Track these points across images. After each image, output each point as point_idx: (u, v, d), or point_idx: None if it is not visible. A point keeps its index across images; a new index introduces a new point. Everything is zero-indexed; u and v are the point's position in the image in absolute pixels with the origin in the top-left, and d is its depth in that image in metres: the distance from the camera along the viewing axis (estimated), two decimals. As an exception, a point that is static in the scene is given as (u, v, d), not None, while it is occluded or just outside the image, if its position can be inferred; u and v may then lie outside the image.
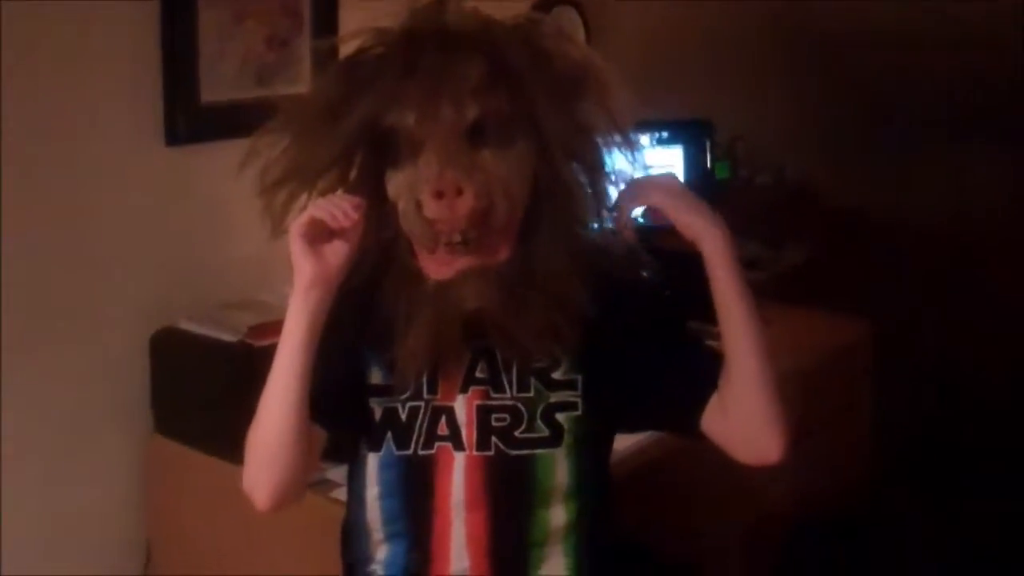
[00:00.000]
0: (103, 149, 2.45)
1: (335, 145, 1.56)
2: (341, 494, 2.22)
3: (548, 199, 1.57)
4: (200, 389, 2.45)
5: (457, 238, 1.52)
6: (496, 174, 1.52)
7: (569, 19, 3.41)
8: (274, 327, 2.39)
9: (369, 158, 1.61)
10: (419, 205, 1.52)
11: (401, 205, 1.56)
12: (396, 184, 1.57)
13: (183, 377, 2.49)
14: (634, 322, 1.64)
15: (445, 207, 1.49)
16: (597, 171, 1.59)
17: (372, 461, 1.66)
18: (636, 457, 2.33)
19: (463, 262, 1.55)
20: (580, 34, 3.48)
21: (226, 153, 2.60)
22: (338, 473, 2.33)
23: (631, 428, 1.77)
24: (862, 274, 4.05)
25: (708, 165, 3.39)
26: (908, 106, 4.18)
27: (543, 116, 1.53)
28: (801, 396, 3.17)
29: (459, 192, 1.48)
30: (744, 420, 1.58)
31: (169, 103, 2.54)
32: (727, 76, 4.14)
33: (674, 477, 2.50)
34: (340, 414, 1.64)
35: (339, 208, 1.52)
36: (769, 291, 3.59)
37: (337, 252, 1.52)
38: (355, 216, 1.52)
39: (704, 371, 1.62)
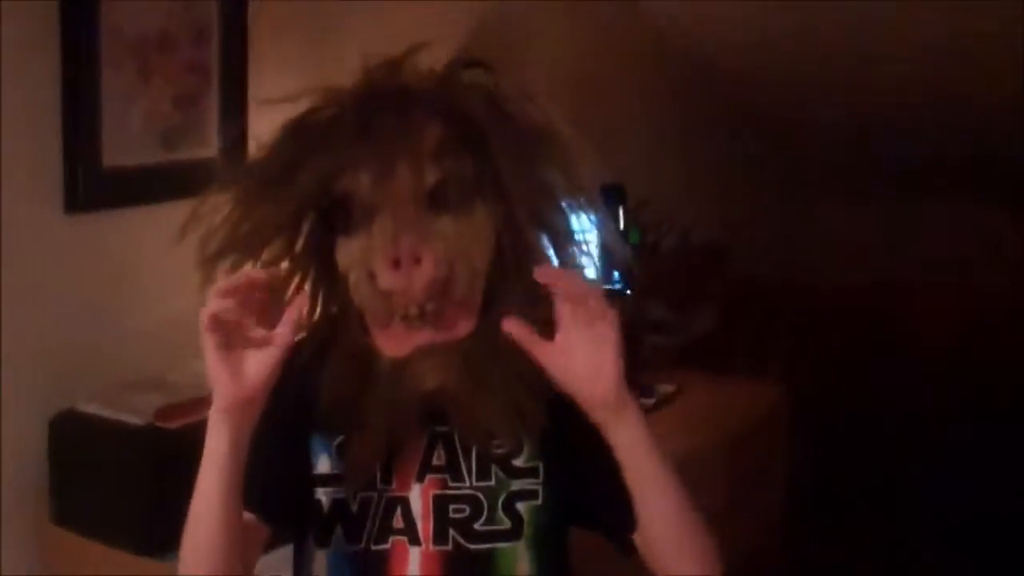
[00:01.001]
0: (-3, 216, 2.27)
1: (282, 211, 1.44)
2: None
3: (511, 267, 1.47)
4: (104, 476, 2.29)
5: (414, 311, 1.42)
6: (457, 241, 1.43)
7: (476, 76, 3.33)
8: (184, 408, 2.30)
9: (318, 226, 1.50)
10: (372, 276, 1.42)
11: (353, 276, 1.45)
12: (348, 253, 1.45)
13: (85, 463, 2.32)
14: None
15: (402, 277, 1.39)
16: (563, 236, 1.49)
17: (320, 558, 1.53)
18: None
19: (420, 337, 1.44)
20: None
21: (130, 220, 2.51)
22: (261, 563, 2.21)
23: (577, 522, 1.61)
24: (771, 337, 4.04)
25: (622, 231, 3.33)
26: (806, 167, 4.22)
27: (507, 178, 1.44)
28: (719, 465, 3.15)
29: (417, 261, 1.39)
30: (662, 566, 1.49)
31: (69, 166, 2.38)
32: (629, 139, 4.11)
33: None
34: (284, 508, 1.52)
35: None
36: (681, 357, 3.58)
37: (261, 365, 1.37)
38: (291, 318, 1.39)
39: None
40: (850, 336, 4.20)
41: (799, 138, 4.25)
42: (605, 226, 1.53)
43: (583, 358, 1.37)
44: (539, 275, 1.37)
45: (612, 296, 1.57)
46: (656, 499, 1.44)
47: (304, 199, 1.45)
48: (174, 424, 2.26)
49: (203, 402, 2.28)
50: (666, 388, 3.31)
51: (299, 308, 1.41)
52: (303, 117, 1.48)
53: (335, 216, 1.46)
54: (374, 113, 1.42)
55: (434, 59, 1.51)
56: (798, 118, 4.14)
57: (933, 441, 3.97)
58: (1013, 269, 4.14)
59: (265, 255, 1.45)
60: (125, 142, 2.45)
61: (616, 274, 3.10)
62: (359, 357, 1.47)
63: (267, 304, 1.40)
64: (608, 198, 3.37)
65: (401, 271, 1.38)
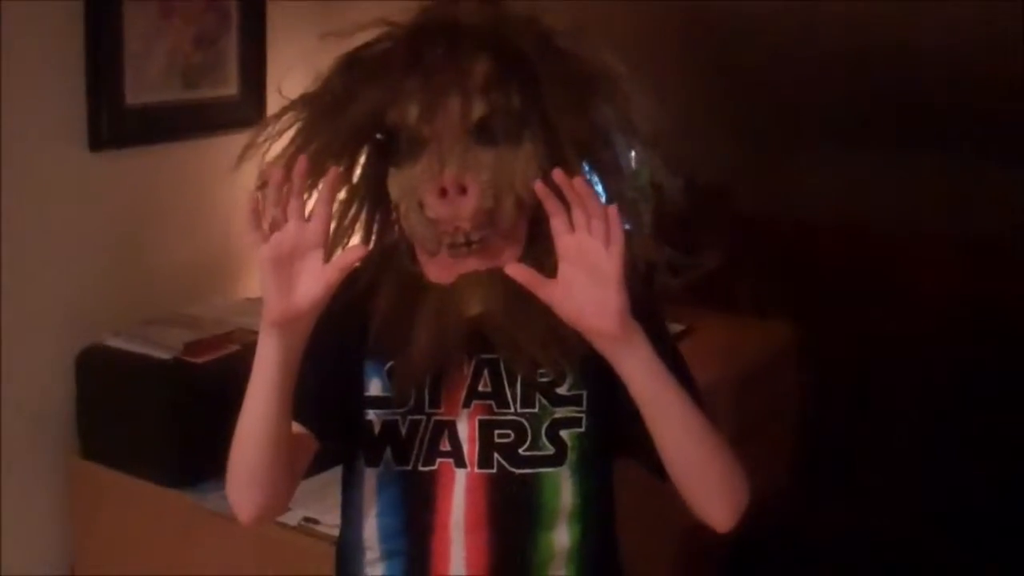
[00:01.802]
0: (22, 154, 2.29)
1: (337, 141, 1.48)
2: (288, 517, 2.14)
3: None
4: (130, 410, 2.33)
5: (460, 239, 1.45)
6: (503, 173, 1.45)
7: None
8: (211, 343, 2.35)
9: (373, 157, 1.53)
10: (421, 205, 1.45)
11: (403, 206, 1.48)
12: (398, 183, 1.48)
13: (111, 398, 2.36)
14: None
15: (448, 206, 1.42)
16: (611, 174, 1.51)
17: (370, 477, 1.56)
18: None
19: (466, 266, 1.47)
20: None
21: (152, 158, 2.53)
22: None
23: (619, 450, 1.63)
24: (778, 277, 4.07)
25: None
26: (815, 109, 4.22)
27: (554, 114, 1.46)
28: (730, 404, 3.18)
29: (463, 191, 1.42)
30: (686, 493, 1.50)
31: (93, 105, 2.39)
32: (633, 83, 4.11)
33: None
34: (336, 426, 1.54)
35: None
36: (686, 297, 3.60)
37: (311, 286, 1.37)
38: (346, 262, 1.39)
39: None
40: (851, 277, 4.22)
41: (799, 81, 4.26)
42: (650, 162, 1.54)
43: (586, 292, 1.37)
44: (540, 188, 1.37)
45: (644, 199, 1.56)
46: (671, 428, 1.44)
47: (357, 130, 1.48)
48: (201, 359, 2.30)
49: (228, 337, 2.35)
50: (675, 327, 3.34)
51: (355, 251, 1.41)
52: (357, 50, 1.51)
53: (388, 148, 1.49)
54: (424, 47, 1.44)
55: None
56: (799, 61, 4.14)
57: (933, 380, 4.01)
58: (1009, 218, 4.16)
59: (322, 184, 1.45)
60: (147, 81, 2.47)
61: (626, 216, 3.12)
62: (408, 284, 1.50)
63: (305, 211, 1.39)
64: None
65: (447, 200, 1.41)
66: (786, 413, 3.50)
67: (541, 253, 1.47)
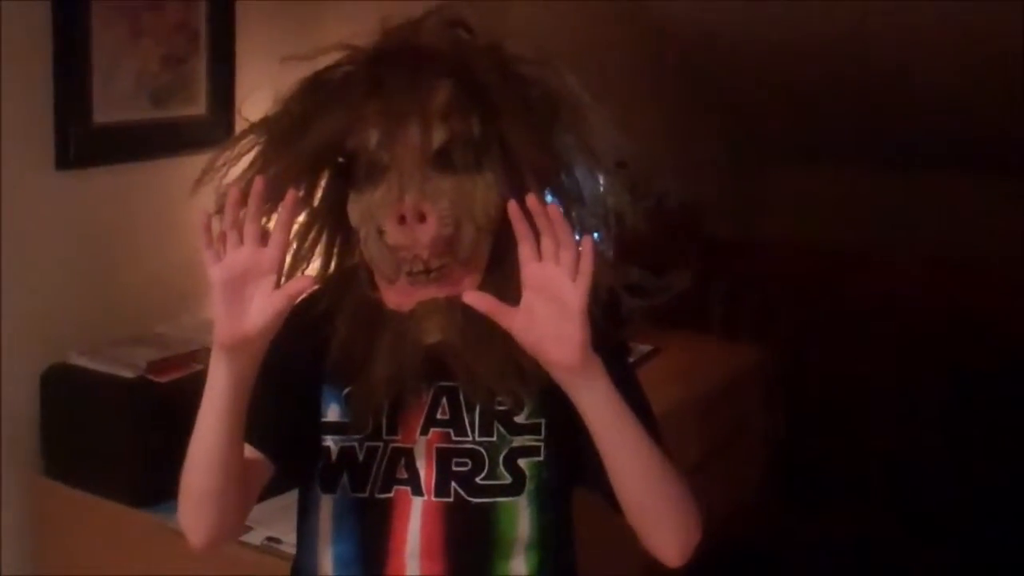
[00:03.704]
0: (-11, 172, 2.28)
1: (297, 165, 1.47)
2: (251, 537, 2.14)
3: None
4: (95, 429, 2.32)
5: (419, 267, 1.45)
6: (462, 201, 1.45)
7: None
8: (176, 362, 2.34)
9: (333, 182, 1.53)
10: (380, 232, 1.45)
11: (363, 232, 1.48)
12: (358, 209, 1.49)
13: (76, 416, 2.35)
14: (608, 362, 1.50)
15: (407, 233, 1.42)
16: (572, 202, 1.51)
17: (326, 503, 1.56)
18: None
19: (425, 293, 1.47)
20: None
21: (120, 176, 2.52)
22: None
23: (578, 480, 1.61)
24: (748, 298, 4.09)
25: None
26: (786, 130, 4.25)
27: (514, 141, 1.46)
28: (695, 424, 3.20)
29: (422, 219, 1.42)
30: (638, 526, 1.50)
31: (60, 123, 2.39)
32: (606, 99, 4.13)
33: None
34: (291, 451, 1.55)
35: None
36: (655, 318, 3.62)
37: (264, 309, 1.36)
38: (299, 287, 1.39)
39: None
40: (819, 299, 4.24)
41: (771, 104, 4.29)
42: (612, 190, 1.54)
43: (547, 323, 1.36)
44: (513, 209, 1.37)
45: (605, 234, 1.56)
46: (625, 461, 1.44)
47: (317, 154, 1.48)
48: (165, 378, 2.29)
49: (194, 356, 2.35)
50: (643, 347, 3.36)
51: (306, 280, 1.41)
52: (319, 74, 1.51)
53: (349, 172, 1.50)
54: (385, 72, 1.44)
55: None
56: (773, 84, 4.17)
57: (902, 402, 4.03)
58: (986, 239, 4.19)
59: (280, 208, 1.44)
60: (115, 100, 2.46)
61: (596, 235, 3.13)
62: (367, 310, 1.51)
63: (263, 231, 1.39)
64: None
65: (406, 228, 1.41)
66: (752, 432, 3.52)
67: (501, 281, 1.47)
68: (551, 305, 1.36)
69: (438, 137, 1.44)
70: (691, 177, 4.27)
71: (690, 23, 4.05)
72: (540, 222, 1.36)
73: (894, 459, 3.92)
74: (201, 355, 2.34)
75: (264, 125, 1.51)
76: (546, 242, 1.36)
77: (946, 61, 3.69)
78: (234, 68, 2.69)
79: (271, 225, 1.40)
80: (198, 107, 2.63)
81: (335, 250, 1.58)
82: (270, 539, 2.13)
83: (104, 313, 2.49)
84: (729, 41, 4.05)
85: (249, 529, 2.12)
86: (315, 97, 1.48)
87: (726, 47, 4.08)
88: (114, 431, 2.29)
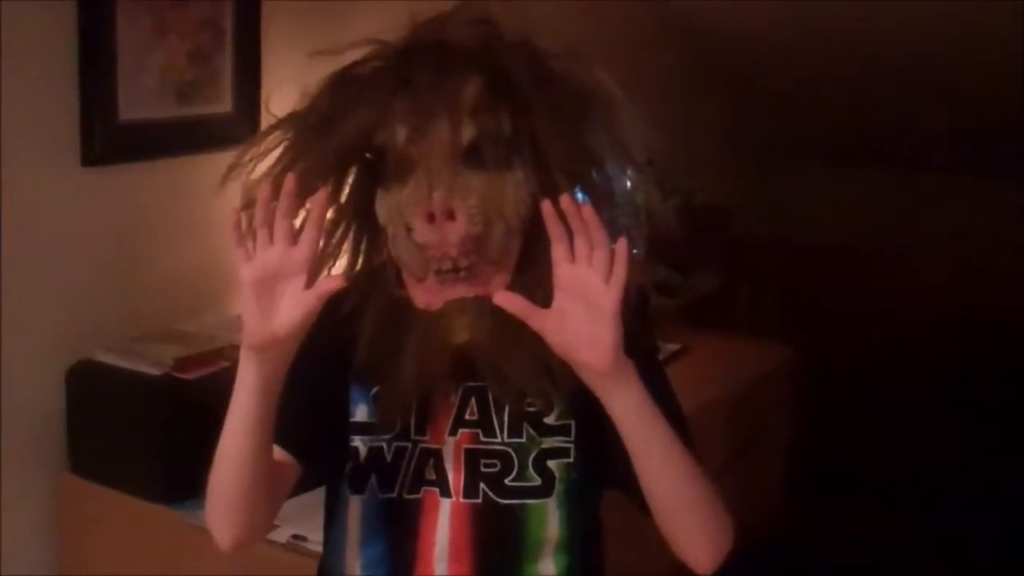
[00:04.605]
0: (15, 169, 2.28)
1: (324, 161, 1.45)
2: (277, 535, 2.13)
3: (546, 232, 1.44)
4: (120, 425, 2.32)
5: (448, 266, 1.42)
6: (492, 199, 1.42)
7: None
8: (202, 359, 2.34)
9: (361, 178, 1.51)
10: (409, 229, 1.42)
11: (391, 230, 1.46)
12: (386, 207, 1.46)
13: (102, 413, 2.35)
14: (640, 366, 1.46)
15: (436, 232, 1.39)
16: (603, 200, 1.47)
17: (354, 504, 1.55)
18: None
19: (454, 292, 1.44)
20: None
21: (145, 174, 2.52)
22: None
23: (607, 482, 1.59)
24: (775, 298, 4.07)
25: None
26: (813, 131, 4.22)
27: (544, 139, 1.43)
28: (725, 423, 3.18)
29: (451, 216, 1.39)
30: (668, 532, 1.48)
31: (86, 120, 2.38)
32: (634, 97, 4.12)
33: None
34: (319, 451, 1.53)
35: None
36: (682, 317, 3.61)
37: (294, 310, 1.34)
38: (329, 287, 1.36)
39: None
40: (846, 299, 4.22)
41: (797, 106, 4.27)
42: (643, 187, 1.52)
43: (579, 325, 1.34)
44: (547, 209, 1.34)
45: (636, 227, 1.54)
46: (656, 467, 1.42)
47: (345, 151, 1.46)
48: (191, 375, 2.29)
49: (219, 353, 2.34)
50: (671, 346, 3.34)
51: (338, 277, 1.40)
52: (347, 69, 1.48)
53: (376, 170, 1.47)
54: (414, 68, 1.42)
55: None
56: (798, 85, 4.15)
57: (926, 404, 4.00)
58: (1003, 240, 4.16)
59: (308, 204, 1.42)
60: (141, 97, 2.46)
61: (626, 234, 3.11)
62: (395, 309, 1.48)
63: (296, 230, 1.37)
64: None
65: (435, 225, 1.38)
66: (780, 432, 3.50)
67: (531, 281, 1.44)
68: (583, 307, 1.34)
69: (467, 134, 1.42)
70: (718, 176, 4.24)
71: (719, 20, 4.03)
72: (574, 223, 1.33)
73: (920, 463, 3.89)
74: (227, 352, 2.33)
75: (291, 121, 1.48)
76: (579, 243, 1.33)
77: (967, 62, 3.67)
78: (259, 65, 2.68)
79: (297, 223, 1.38)
80: (223, 104, 2.63)
81: (362, 248, 1.55)
82: (296, 537, 2.12)
83: (129, 310, 2.48)
84: (759, 40, 4.03)
85: (275, 527, 2.11)
86: (343, 93, 1.46)
87: (756, 46, 4.05)
88: (140, 428, 2.28)
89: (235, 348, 2.29)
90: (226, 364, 2.29)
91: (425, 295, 1.46)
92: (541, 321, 1.36)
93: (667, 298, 3.65)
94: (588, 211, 1.34)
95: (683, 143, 4.12)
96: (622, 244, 1.33)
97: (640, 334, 1.47)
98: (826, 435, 3.80)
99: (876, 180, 4.44)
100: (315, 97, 1.48)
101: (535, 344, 1.40)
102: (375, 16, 2.83)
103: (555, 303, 1.36)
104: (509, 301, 1.37)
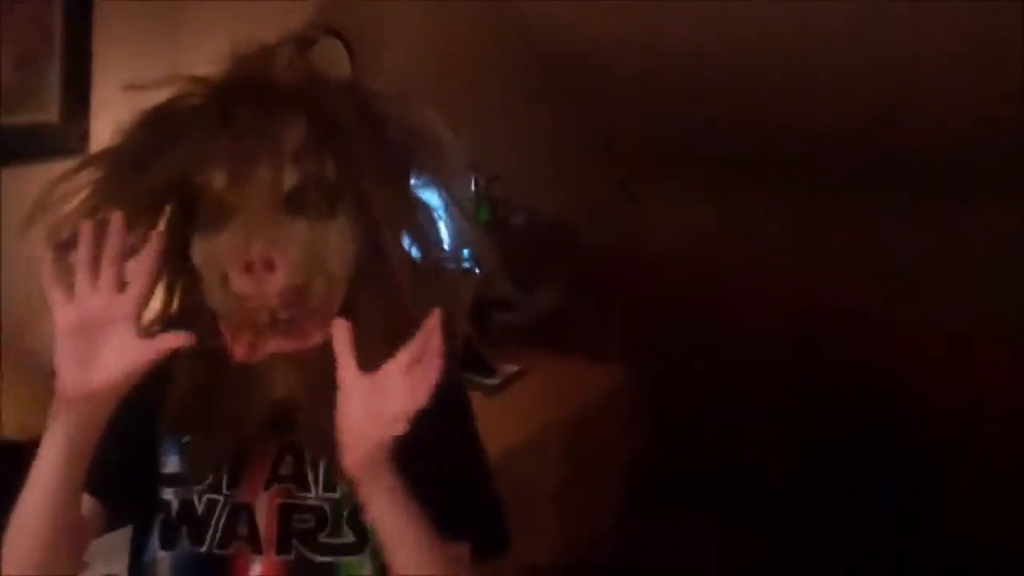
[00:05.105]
0: None
1: (138, 202, 1.37)
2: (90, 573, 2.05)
3: (372, 277, 1.41)
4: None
5: (266, 318, 1.36)
6: (314, 248, 1.36)
7: (335, 51, 3.30)
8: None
9: (178, 219, 1.43)
10: (226, 278, 1.35)
11: (207, 276, 1.39)
12: (202, 253, 1.39)
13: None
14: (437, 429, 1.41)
15: (254, 283, 1.33)
16: (428, 247, 1.43)
17: (162, 559, 1.47)
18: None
19: (272, 344, 1.39)
20: (345, 66, 3.37)
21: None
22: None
23: None
24: (617, 318, 4.09)
25: (474, 208, 3.32)
26: (662, 145, 4.24)
27: (369, 186, 1.38)
28: (562, 444, 3.18)
29: (271, 267, 1.32)
30: None
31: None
32: (480, 116, 4.10)
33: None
34: (126, 497, 1.47)
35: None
36: (525, 335, 3.60)
37: (113, 371, 1.26)
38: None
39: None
40: (689, 319, 4.26)
41: (647, 122, 4.28)
42: (463, 211, 1.48)
43: (354, 419, 1.30)
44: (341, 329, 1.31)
45: (463, 273, 1.49)
46: (402, 563, 1.38)
47: (160, 191, 1.39)
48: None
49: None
50: (510, 368, 3.33)
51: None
52: (165, 105, 1.41)
53: (192, 211, 1.40)
54: (236, 107, 1.35)
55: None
56: (647, 99, 4.16)
57: (768, 427, 4.05)
58: (847, 256, 4.23)
59: (144, 250, 1.34)
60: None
61: (466, 252, 3.09)
62: (210, 359, 1.41)
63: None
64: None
65: (254, 277, 1.32)
66: (620, 454, 3.51)
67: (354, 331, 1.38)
68: (370, 402, 1.29)
69: (289, 179, 1.36)
70: (565, 192, 4.24)
71: (565, 29, 4.02)
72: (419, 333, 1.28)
73: (761, 478, 3.94)
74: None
75: (104, 158, 1.40)
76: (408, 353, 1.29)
77: (835, 65, 3.70)
78: (90, 73, 2.56)
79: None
80: (50, 113, 2.51)
81: (176, 291, 1.48)
82: None
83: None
84: (607, 48, 4.03)
85: (86, 565, 2.02)
86: (160, 130, 1.38)
87: (604, 53, 4.05)
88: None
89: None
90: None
91: (243, 345, 1.40)
92: (346, 372, 1.31)
93: (509, 314, 3.64)
94: (433, 327, 1.28)
95: (530, 157, 4.12)
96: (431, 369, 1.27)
97: (455, 391, 1.44)
98: (667, 455, 3.82)
99: (723, 195, 4.47)
100: (130, 133, 1.40)
101: None
102: (209, 19, 2.75)
103: (342, 390, 1.31)
104: (342, 332, 1.31)
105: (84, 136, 2.46)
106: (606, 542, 3.41)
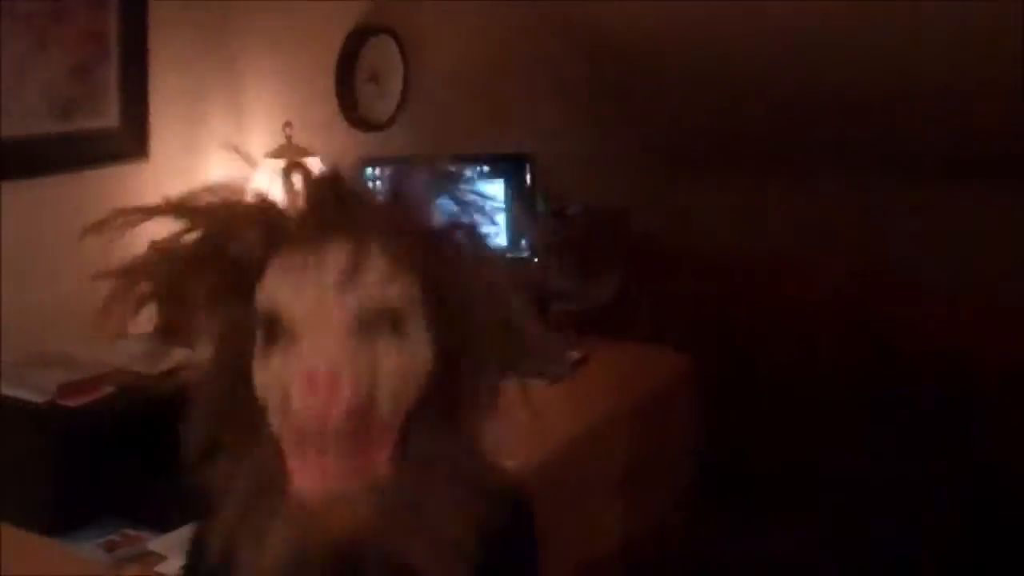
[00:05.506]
0: None
1: (198, 309, 1.32)
2: (166, 567, 2.08)
3: (438, 398, 1.34)
4: (4, 455, 2.23)
5: (331, 439, 1.25)
6: (382, 368, 1.28)
7: (387, 48, 3.32)
8: (87, 385, 2.26)
9: (241, 331, 1.35)
10: (287, 397, 1.25)
11: (267, 396, 1.29)
12: (264, 371, 1.30)
13: (-15, 442, 2.26)
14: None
15: (318, 401, 1.23)
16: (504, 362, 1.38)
17: None
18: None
19: (336, 470, 1.27)
20: (398, 64, 3.40)
21: (29, 192, 2.43)
22: (161, 544, 2.18)
23: None
24: (675, 305, 4.07)
25: (532, 200, 3.35)
26: (716, 136, 4.23)
27: (438, 305, 1.33)
28: (625, 432, 3.18)
29: (335, 384, 1.24)
30: None
31: (-35, 138, 2.31)
32: (537, 109, 4.11)
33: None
34: None
35: None
36: (584, 325, 3.59)
37: None
38: None
39: None
40: (748, 306, 4.24)
41: (702, 109, 4.27)
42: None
43: None
44: None
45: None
46: None
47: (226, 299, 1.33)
48: (78, 401, 2.22)
49: (104, 379, 2.27)
50: (572, 355, 3.33)
51: None
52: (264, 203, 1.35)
53: (257, 326, 1.32)
54: (300, 225, 1.31)
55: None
56: (703, 87, 4.15)
57: (831, 414, 4.03)
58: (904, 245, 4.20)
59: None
60: (22, 113, 2.39)
61: (524, 242, 3.10)
62: (268, 484, 1.31)
63: None
64: (515, 167, 3.41)
65: (317, 395, 1.23)
66: (685, 442, 3.50)
67: (420, 455, 1.32)
68: None
69: (357, 301, 1.28)
70: (621, 183, 4.24)
71: (616, 25, 4.02)
72: None
73: (828, 470, 3.91)
74: (112, 377, 2.27)
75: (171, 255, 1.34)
76: None
77: (865, 63, 3.69)
78: (147, 77, 2.61)
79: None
80: (109, 119, 2.55)
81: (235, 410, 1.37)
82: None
83: (13, 333, 2.40)
84: (665, 45, 4.02)
85: (163, 559, 2.06)
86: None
87: (662, 50, 4.05)
88: (22, 458, 2.20)
89: (120, 373, 2.27)
90: (111, 390, 2.23)
91: (304, 470, 1.28)
92: None
93: (568, 304, 3.64)
94: None
95: (588, 148, 4.12)
96: None
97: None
98: (732, 444, 3.80)
99: (773, 187, 4.45)
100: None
101: (434, 520, 1.30)
102: (263, 21, 2.78)
103: None
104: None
105: (143, 139, 2.53)
106: (673, 532, 3.40)
